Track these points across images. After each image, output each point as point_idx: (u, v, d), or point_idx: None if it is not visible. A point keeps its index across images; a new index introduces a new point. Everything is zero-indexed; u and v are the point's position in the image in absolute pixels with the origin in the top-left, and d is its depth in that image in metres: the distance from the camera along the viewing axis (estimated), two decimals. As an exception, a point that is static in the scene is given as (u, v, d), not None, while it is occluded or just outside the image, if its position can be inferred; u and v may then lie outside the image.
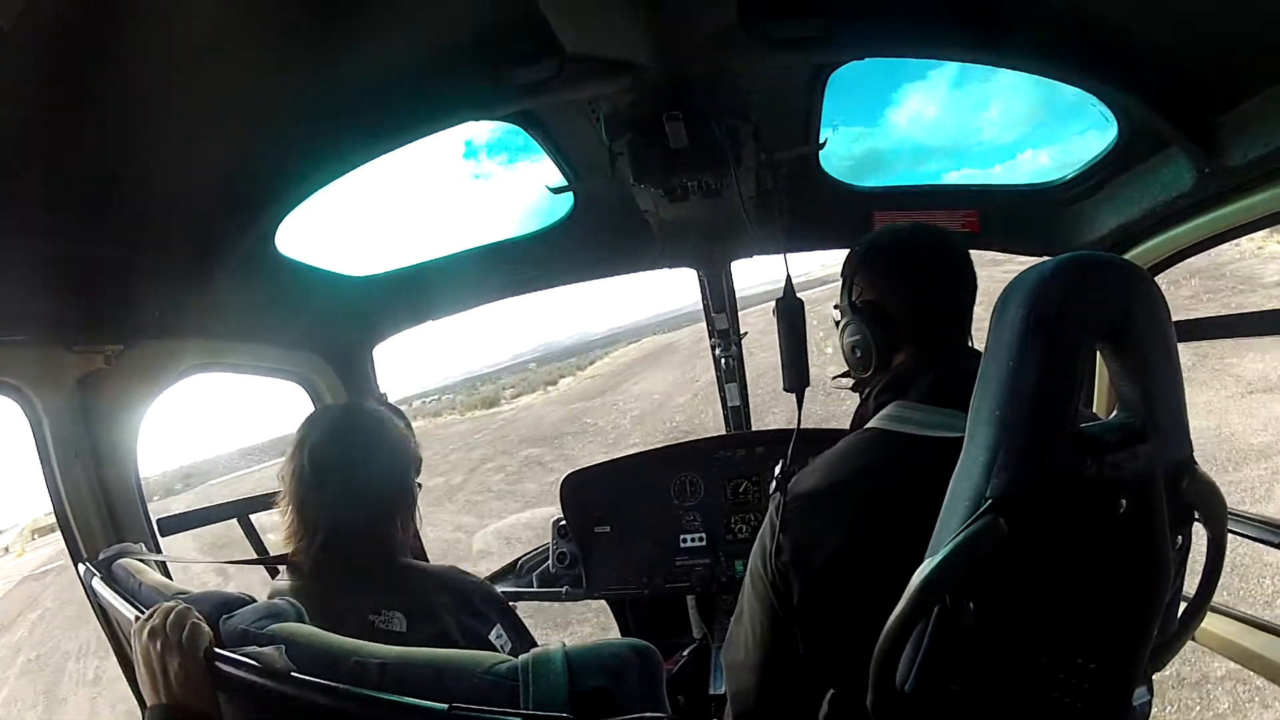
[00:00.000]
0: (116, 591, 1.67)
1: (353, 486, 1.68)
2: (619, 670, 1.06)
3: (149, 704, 1.21)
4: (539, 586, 3.14)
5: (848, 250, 1.62)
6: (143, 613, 1.48)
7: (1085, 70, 1.69)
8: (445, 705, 0.98)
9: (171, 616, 1.24)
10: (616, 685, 1.05)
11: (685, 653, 2.98)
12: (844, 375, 1.63)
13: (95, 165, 1.54)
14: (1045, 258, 1.09)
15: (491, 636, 1.64)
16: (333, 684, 1.07)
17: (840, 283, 1.61)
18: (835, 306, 1.63)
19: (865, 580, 1.23)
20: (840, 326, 1.58)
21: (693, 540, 3.01)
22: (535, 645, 1.72)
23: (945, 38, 1.65)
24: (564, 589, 3.06)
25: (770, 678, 1.45)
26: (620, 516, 3.07)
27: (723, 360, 3.25)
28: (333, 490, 1.66)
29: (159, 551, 2.15)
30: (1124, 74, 1.66)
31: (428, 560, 3.17)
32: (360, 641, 1.19)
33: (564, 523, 3.10)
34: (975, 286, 1.52)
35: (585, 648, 1.09)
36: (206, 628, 1.23)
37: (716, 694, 2.56)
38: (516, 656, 1.62)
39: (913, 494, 1.19)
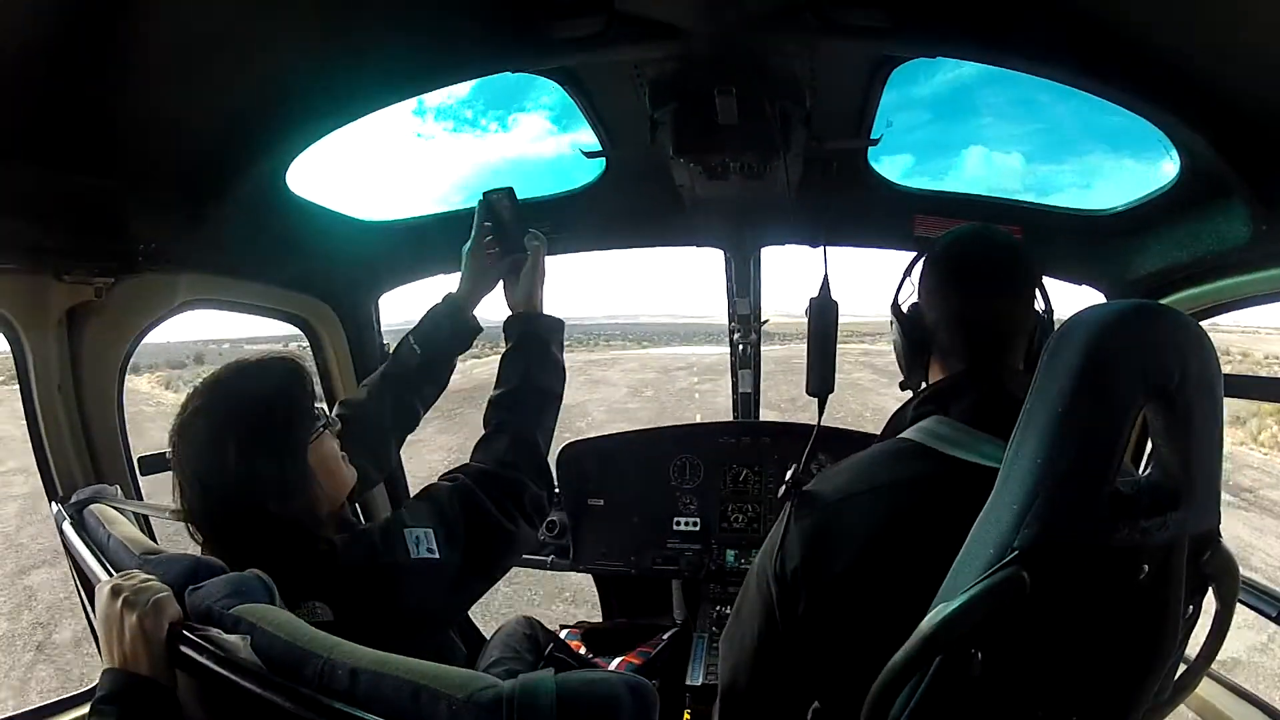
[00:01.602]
0: (85, 541, 1.61)
1: (216, 478, 1.43)
2: (611, 710, 0.98)
3: (106, 665, 1.17)
4: (524, 553, 3.10)
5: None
6: (108, 569, 1.41)
7: (1158, 102, 1.61)
8: None
9: (137, 584, 1.19)
10: None
11: (665, 636, 2.94)
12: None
13: (98, 91, 1.44)
14: (1086, 286, 1.01)
15: (414, 554, 1.49)
16: (299, 688, 0.99)
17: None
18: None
19: (874, 603, 1.19)
20: (890, 325, 1.53)
21: (686, 524, 2.98)
22: (454, 511, 1.57)
23: (1015, 48, 1.57)
24: (550, 558, 3.04)
25: (760, 679, 1.41)
26: (615, 491, 3.03)
27: (740, 346, 3.19)
28: (203, 485, 1.46)
29: (138, 491, 2.10)
30: (1198, 112, 1.60)
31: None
32: (332, 639, 1.11)
33: (556, 491, 3.06)
34: (1032, 301, 1.42)
35: (577, 680, 1.01)
36: (175, 605, 1.17)
37: (693, 684, 2.51)
38: (446, 554, 1.50)
39: (939, 520, 1.13)
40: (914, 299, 1.48)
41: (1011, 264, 1.41)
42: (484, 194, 1.88)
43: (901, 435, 1.36)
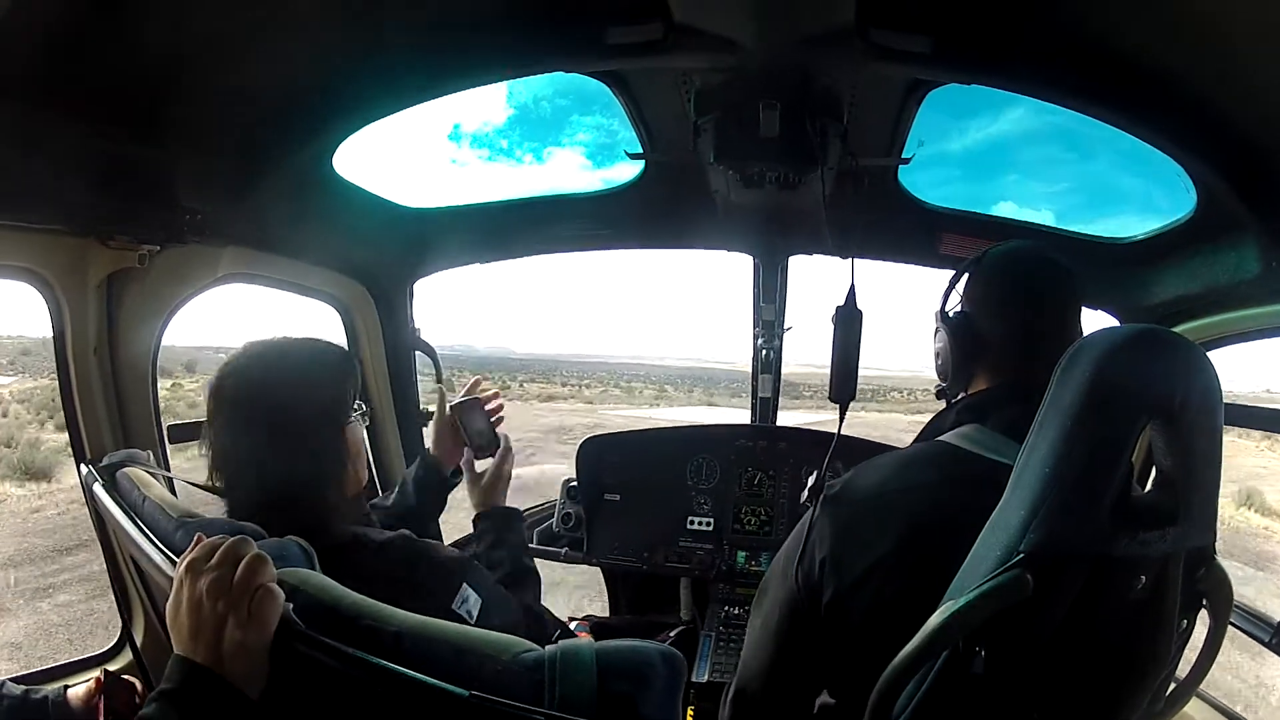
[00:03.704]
0: (118, 502, 1.63)
1: (262, 448, 1.46)
2: (646, 677, 1.02)
3: (179, 651, 1.03)
4: (539, 543, 3.11)
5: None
6: (144, 531, 1.42)
7: (1178, 139, 1.67)
8: (466, 691, 0.93)
9: (241, 572, 1.04)
10: (640, 693, 1.01)
11: (672, 634, 2.94)
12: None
13: (157, 62, 1.48)
14: (1100, 311, 1.06)
15: (455, 606, 1.50)
16: (345, 648, 1.02)
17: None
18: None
19: (900, 600, 1.21)
20: (933, 333, 1.54)
21: (700, 524, 2.99)
22: (505, 599, 1.62)
23: (1049, 80, 1.64)
24: (563, 550, 3.04)
25: (775, 662, 1.44)
26: (632, 487, 3.04)
27: (763, 351, 3.20)
28: (245, 453, 1.48)
29: (165, 460, 2.11)
30: (1215, 151, 1.66)
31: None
32: (374, 603, 1.14)
33: (574, 484, 3.08)
34: (1078, 321, 1.45)
35: (614, 647, 1.05)
36: (281, 596, 1.05)
37: (698, 681, 2.53)
38: (486, 618, 1.52)
39: (971, 523, 1.15)
40: (959, 308, 1.50)
41: (1069, 289, 1.45)
42: (452, 407, 2.04)
43: (940, 439, 1.39)
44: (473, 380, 2.10)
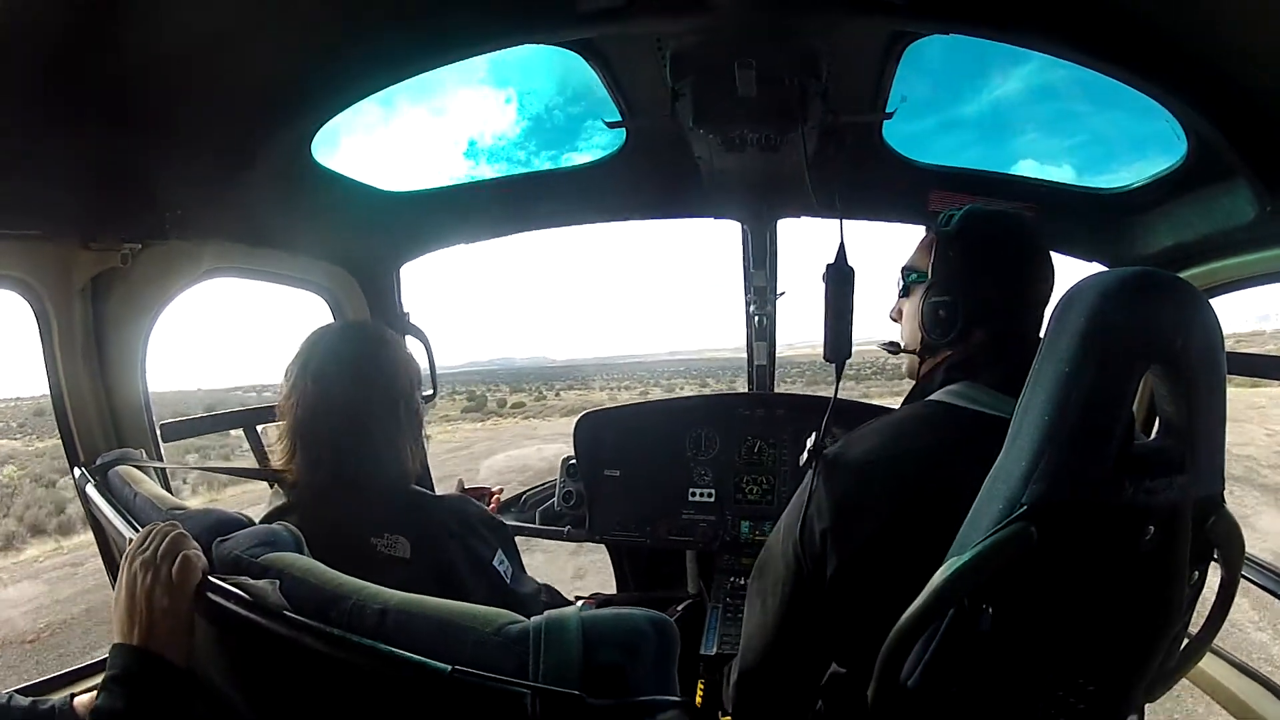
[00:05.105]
0: (110, 502, 1.64)
1: (358, 411, 1.61)
2: (635, 645, 1.01)
3: (118, 640, 1.16)
4: (541, 523, 3.13)
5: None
6: (135, 527, 1.43)
7: (1167, 85, 1.64)
8: (447, 666, 0.92)
9: (164, 544, 1.18)
10: (630, 662, 0.99)
11: (679, 608, 2.94)
12: (892, 345, 1.62)
13: (125, 57, 1.45)
14: (1094, 262, 1.03)
15: (495, 563, 1.64)
16: (326, 628, 1.02)
17: (920, 247, 1.57)
18: (905, 269, 1.59)
19: (905, 564, 1.20)
20: (924, 290, 1.51)
21: (701, 495, 2.99)
22: (528, 577, 1.71)
23: (1026, 26, 1.60)
24: (566, 528, 3.05)
25: (781, 639, 1.44)
26: (631, 461, 3.04)
27: (756, 318, 3.18)
28: (337, 416, 1.60)
29: (160, 458, 2.11)
30: (1204, 97, 1.63)
31: (432, 483, 3.16)
32: (360, 582, 1.14)
33: (574, 461, 3.08)
34: (1052, 274, 1.47)
35: (602, 616, 1.04)
36: (202, 561, 1.19)
37: (707, 654, 2.53)
38: (516, 583, 1.62)
39: (970, 480, 1.14)
40: (931, 272, 1.49)
41: (1046, 251, 1.47)
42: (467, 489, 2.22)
43: (930, 399, 1.38)
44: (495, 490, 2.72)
